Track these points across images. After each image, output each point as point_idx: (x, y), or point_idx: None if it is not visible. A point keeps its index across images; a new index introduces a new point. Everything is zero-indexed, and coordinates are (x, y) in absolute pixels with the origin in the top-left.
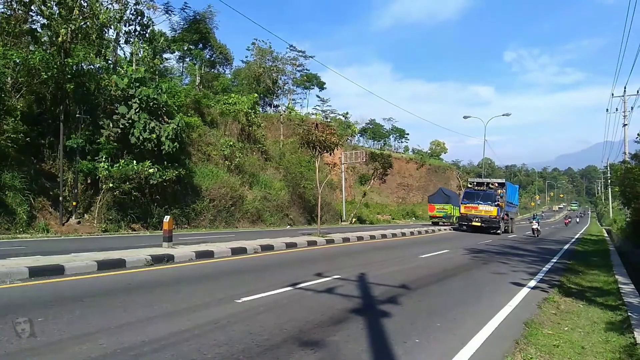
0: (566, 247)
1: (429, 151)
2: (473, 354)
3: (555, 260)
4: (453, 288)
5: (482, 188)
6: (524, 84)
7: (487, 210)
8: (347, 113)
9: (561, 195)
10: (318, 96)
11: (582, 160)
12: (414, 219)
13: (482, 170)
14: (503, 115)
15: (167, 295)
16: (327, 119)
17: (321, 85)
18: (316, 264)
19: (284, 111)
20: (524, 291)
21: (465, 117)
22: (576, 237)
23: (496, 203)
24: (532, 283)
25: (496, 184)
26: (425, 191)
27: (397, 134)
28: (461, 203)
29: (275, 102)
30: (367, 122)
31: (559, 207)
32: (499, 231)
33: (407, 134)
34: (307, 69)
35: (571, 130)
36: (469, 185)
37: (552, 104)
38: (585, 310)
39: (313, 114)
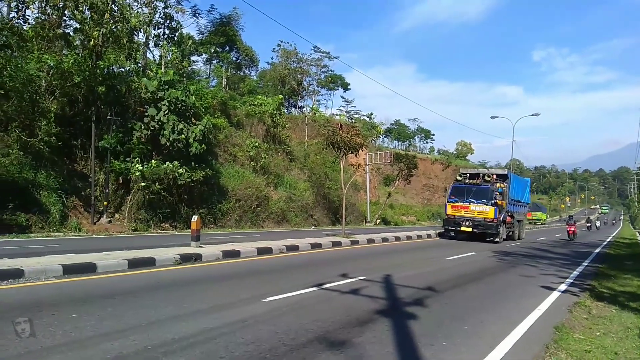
0: (597, 250)
1: (455, 152)
2: (502, 358)
3: (586, 264)
4: (480, 291)
5: (475, 181)
6: (553, 84)
7: (481, 210)
8: (371, 114)
9: (592, 198)
10: (342, 97)
11: (614, 161)
12: (439, 220)
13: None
14: (532, 115)
15: (195, 294)
16: (351, 119)
17: (345, 86)
18: (341, 265)
19: (309, 112)
20: (554, 295)
21: (492, 118)
22: (608, 240)
23: (493, 201)
24: (563, 287)
25: (494, 176)
26: None
27: (423, 135)
28: (447, 201)
29: (299, 104)
30: (392, 123)
31: (591, 208)
32: (497, 239)
33: (433, 135)
34: (331, 70)
35: (602, 131)
36: (458, 178)
37: (583, 103)
38: (618, 315)
39: (337, 115)
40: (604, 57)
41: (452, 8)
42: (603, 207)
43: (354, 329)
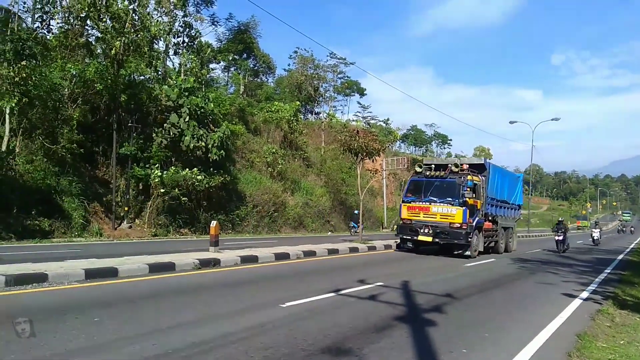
0: (620, 257)
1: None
2: None
3: (608, 271)
4: (500, 298)
5: (438, 174)
6: (573, 88)
7: (445, 213)
8: (388, 119)
9: (614, 204)
10: (359, 103)
11: (637, 167)
12: None
13: (530, 177)
14: (552, 120)
15: (214, 299)
16: (368, 125)
17: (362, 92)
18: (358, 271)
19: (325, 118)
20: (576, 302)
21: (511, 122)
22: (631, 247)
23: (462, 199)
24: (584, 294)
25: (465, 166)
26: None
27: (440, 140)
28: (402, 201)
29: (316, 110)
30: (409, 128)
31: (615, 214)
32: (468, 252)
33: (450, 140)
34: (347, 76)
35: (624, 135)
36: (417, 170)
37: (604, 107)
38: None
39: (354, 121)
40: (626, 60)
41: (469, 11)
42: (625, 215)
43: (372, 335)
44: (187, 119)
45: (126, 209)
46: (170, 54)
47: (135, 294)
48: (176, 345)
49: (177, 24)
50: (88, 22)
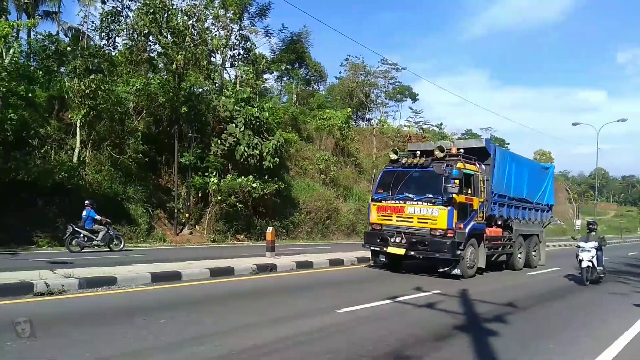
0: None
1: None
2: None
3: None
4: (565, 308)
5: (417, 161)
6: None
7: (424, 215)
8: (441, 124)
9: None
10: (411, 108)
11: None
12: None
13: (595, 181)
14: (618, 121)
15: (272, 303)
16: (421, 130)
17: (414, 97)
18: (414, 278)
19: (377, 124)
20: None
21: (574, 124)
22: None
23: (447, 196)
24: None
25: (455, 150)
26: None
27: (497, 144)
28: (372, 199)
29: (367, 116)
30: (463, 133)
31: None
32: (457, 269)
33: (508, 144)
34: (399, 82)
35: None
36: (392, 157)
37: None
38: None
39: (406, 126)
40: None
41: (526, 11)
42: None
43: (432, 343)
44: (242, 129)
45: (187, 215)
46: (226, 66)
47: (198, 297)
48: (238, 347)
49: (233, 37)
50: (150, 37)
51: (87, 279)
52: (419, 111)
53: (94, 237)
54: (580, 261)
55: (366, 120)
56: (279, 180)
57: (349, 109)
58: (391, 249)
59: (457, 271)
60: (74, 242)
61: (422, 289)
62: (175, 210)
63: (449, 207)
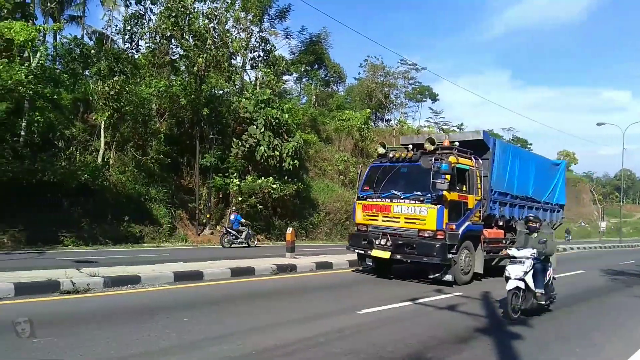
0: None
1: None
2: None
3: None
4: (591, 311)
5: (405, 155)
6: None
7: (411, 214)
8: (461, 124)
9: None
10: (431, 108)
11: None
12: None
13: (621, 182)
14: None
15: (292, 303)
16: (440, 131)
17: (434, 97)
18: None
19: (396, 125)
20: None
21: (599, 125)
22: None
23: (438, 193)
24: None
25: (447, 143)
26: None
27: (519, 145)
28: (357, 198)
29: (387, 117)
30: None
31: None
32: (448, 276)
33: (530, 144)
34: (419, 82)
35: None
36: (380, 151)
37: None
38: None
39: (426, 127)
40: None
41: (548, 9)
42: None
43: (453, 345)
44: (262, 130)
45: (208, 216)
46: (247, 68)
47: (220, 296)
48: (259, 347)
49: (253, 39)
50: (172, 40)
51: (111, 278)
52: (439, 111)
53: (239, 236)
54: (507, 279)
55: (385, 121)
56: (299, 181)
57: (368, 110)
58: (375, 252)
59: (448, 277)
60: (226, 240)
61: (443, 291)
62: (197, 211)
63: (439, 206)
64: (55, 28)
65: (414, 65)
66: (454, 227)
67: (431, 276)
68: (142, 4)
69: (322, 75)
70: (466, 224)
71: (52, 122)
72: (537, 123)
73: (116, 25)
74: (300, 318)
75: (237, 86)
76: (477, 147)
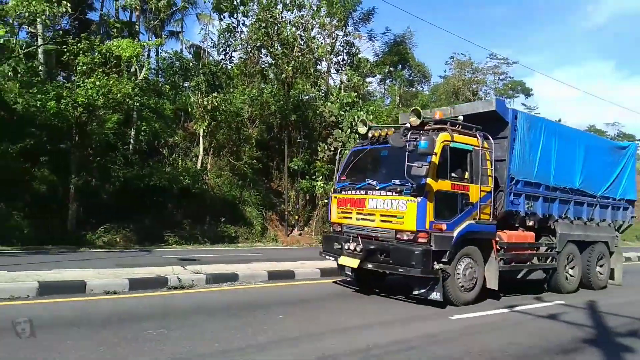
0: None
1: None
2: None
3: None
4: None
5: (384, 134)
6: None
7: (387, 210)
8: (559, 120)
9: None
10: (524, 104)
11: None
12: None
13: None
14: None
15: (381, 305)
16: None
17: (527, 92)
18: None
19: None
20: None
21: None
22: None
23: (417, 183)
24: None
25: (440, 116)
26: None
27: (625, 141)
28: (333, 192)
29: None
30: (586, 129)
31: None
32: (435, 293)
33: (639, 140)
34: (510, 77)
35: None
36: (361, 131)
37: None
38: None
39: None
40: None
41: None
42: None
43: (557, 356)
44: (348, 132)
45: (296, 217)
46: (331, 72)
47: (310, 295)
48: (352, 347)
49: (337, 43)
50: (262, 50)
51: (213, 275)
52: (534, 107)
53: None
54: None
55: None
56: None
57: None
58: (342, 260)
59: (435, 295)
60: None
61: (543, 299)
62: (286, 213)
63: (420, 199)
64: (157, 43)
65: (504, 60)
66: (443, 227)
67: (416, 292)
68: (235, 16)
69: (406, 76)
70: (466, 223)
71: (157, 131)
72: None
73: (211, 39)
74: (390, 320)
75: (322, 90)
76: (493, 122)
